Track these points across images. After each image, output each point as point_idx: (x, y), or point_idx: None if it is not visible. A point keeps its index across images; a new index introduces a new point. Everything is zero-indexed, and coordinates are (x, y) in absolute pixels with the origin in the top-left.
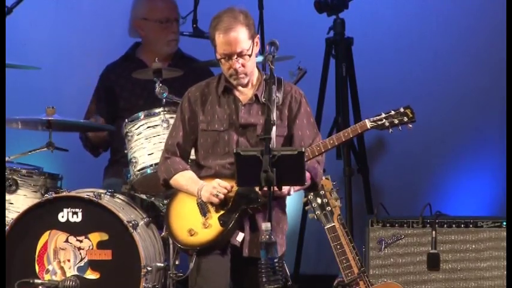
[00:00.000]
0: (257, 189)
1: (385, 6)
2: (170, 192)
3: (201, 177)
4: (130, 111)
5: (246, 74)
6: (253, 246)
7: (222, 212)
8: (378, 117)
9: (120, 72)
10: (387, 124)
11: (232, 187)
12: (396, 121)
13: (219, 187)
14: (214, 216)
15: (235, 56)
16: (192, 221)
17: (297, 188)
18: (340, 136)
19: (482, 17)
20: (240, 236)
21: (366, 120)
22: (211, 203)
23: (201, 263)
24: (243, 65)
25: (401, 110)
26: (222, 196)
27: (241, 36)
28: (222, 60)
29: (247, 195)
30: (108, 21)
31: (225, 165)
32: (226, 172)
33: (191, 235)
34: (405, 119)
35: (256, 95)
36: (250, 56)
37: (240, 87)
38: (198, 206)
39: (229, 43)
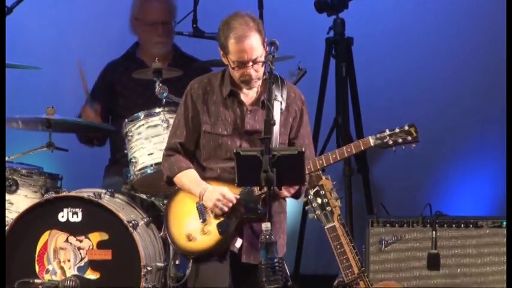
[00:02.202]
0: (259, 194)
1: (385, 6)
2: (170, 192)
3: (204, 179)
4: (130, 110)
5: (258, 79)
6: (251, 252)
7: (221, 218)
8: (381, 135)
9: (122, 70)
10: (391, 143)
11: (236, 198)
12: (400, 140)
13: (224, 200)
14: (213, 223)
15: (250, 63)
16: (191, 226)
17: (285, 193)
18: (343, 152)
19: (481, 17)
20: (238, 242)
21: (370, 137)
22: (214, 213)
23: (200, 269)
24: (256, 71)
25: (406, 127)
26: (226, 209)
27: (255, 43)
28: (236, 68)
29: (246, 205)
30: (107, 22)
31: (227, 169)
32: (228, 176)
33: (189, 240)
34: (409, 138)
35: (263, 101)
36: (264, 62)
37: (245, 90)
38: (197, 208)
39: (245, 51)
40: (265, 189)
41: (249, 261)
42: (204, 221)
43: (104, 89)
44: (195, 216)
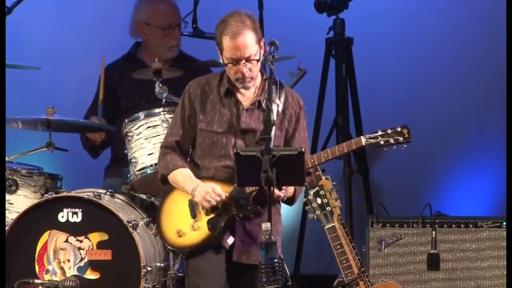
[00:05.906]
0: (250, 192)
1: (385, 6)
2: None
3: (199, 178)
4: (132, 111)
5: (252, 78)
6: (243, 251)
7: (211, 215)
8: (373, 135)
9: (123, 71)
10: (382, 143)
11: (225, 195)
12: (392, 140)
13: (213, 193)
14: (203, 219)
15: (243, 61)
16: (182, 222)
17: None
18: (334, 151)
19: (481, 17)
20: (230, 239)
21: (362, 136)
22: (202, 206)
23: (197, 261)
24: (250, 70)
25: (398, 129)
26: (214, 203)
27: (249, 41)
28: (229, 65)
29: (238, 202)
30: (107, 22)
31: (221, 168)
32: (222, 175)
33: (179, 236)
34: (401, 139)
35: (259, 101)
36: (257, 60)
37: (242, 90)
38: (189, 206)
39: (238, 48)
40: (255, 187)
41: (241, 260)
42: (194, 217)
43: (106, 91)
44: (186, 213)
